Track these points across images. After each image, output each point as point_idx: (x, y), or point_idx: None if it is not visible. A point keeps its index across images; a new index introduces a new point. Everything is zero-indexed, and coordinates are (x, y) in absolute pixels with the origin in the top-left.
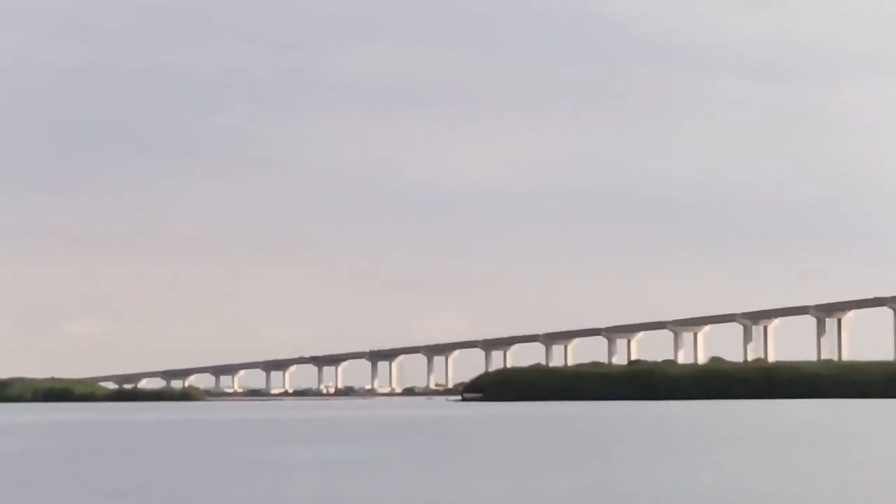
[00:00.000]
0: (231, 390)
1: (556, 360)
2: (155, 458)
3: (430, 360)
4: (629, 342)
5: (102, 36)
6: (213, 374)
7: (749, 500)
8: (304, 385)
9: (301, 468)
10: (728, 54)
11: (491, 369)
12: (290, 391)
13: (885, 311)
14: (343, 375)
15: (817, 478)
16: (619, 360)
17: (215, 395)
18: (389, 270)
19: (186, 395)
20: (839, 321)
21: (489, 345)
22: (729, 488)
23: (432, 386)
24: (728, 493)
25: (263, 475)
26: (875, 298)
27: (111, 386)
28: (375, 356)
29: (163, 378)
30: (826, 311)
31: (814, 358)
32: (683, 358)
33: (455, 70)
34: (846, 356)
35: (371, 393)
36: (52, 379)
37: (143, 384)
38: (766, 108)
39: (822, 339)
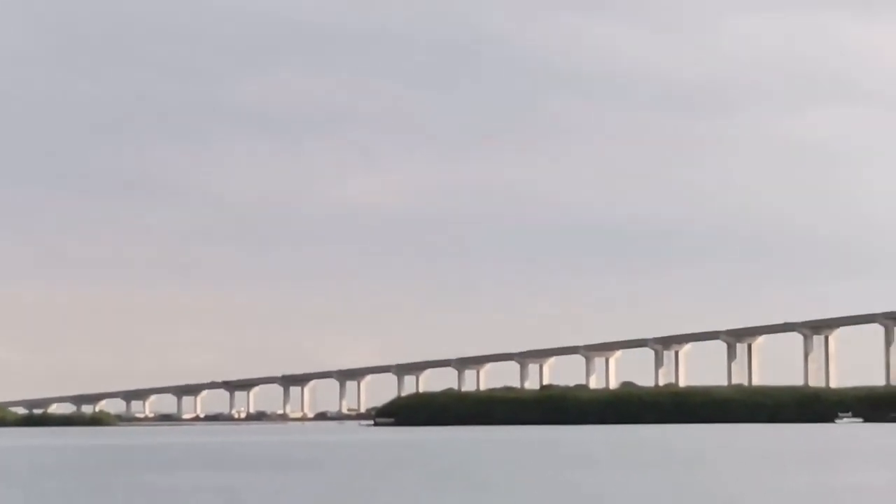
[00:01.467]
0: (142, 415)
1: (469, 385)
2: (58, 484)
3: (342, 385)
4: (541, 367)
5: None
6: (123, 398)
7: None
8: (215, 410)
9: (203, 494)
10: (620, 82)
11: (403, 394)
12: (202, 416)
13: (795, 336)
14: (255, 400)
15: (719, 502)
16: (532, 384)
17: (126, 420)
18: (302, 295)
19: (97, 420)
20: (749, 346)
21: (402, 370)
22: None
23: (345, 411)
24: None
25: (165, 501)
26: (785, 324)
27: (21, 411)
28: (288, 381)
29: (73, 403)
30: (736, 337)
31: (724, 382)
32: (595, 383)
33: (357, 97)
34: (756, 381)
35: (283, 418)
36: None
37: (53, 409)
38: (662, 136)
39: (733, 364)
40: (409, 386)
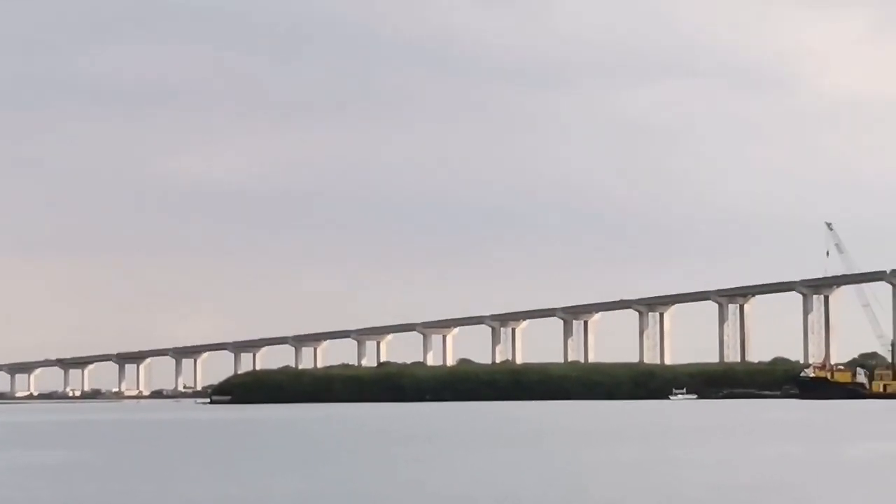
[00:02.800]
0: None
1: (306, 363)
2: None
3: (178, 363)
4: (379, 344)
5: None
6: None
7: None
8: (49, 388)
9: (31, 471)
10: (474, 57)
11: (240, 371)
12: (36, 394)
13: (631, 314)
14: (90, 378)
15: (549, 477)
16: (369, 362)
17: None
18: (137, 271)
19: None
20: (585, 323)
21: (238, 347)
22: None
23: (181, 388)
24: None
25: None
26: (621, 301)
27: None
28: (123, 358)
29: None
30: (572, 314)
31: (561, 360)
32: (433, 360)
33: (204, 71)
34: (592, 358)
35: (118, 395)
36: None
37: None
38: (509, 111)
39: (569, 341)
40: (247, 363)
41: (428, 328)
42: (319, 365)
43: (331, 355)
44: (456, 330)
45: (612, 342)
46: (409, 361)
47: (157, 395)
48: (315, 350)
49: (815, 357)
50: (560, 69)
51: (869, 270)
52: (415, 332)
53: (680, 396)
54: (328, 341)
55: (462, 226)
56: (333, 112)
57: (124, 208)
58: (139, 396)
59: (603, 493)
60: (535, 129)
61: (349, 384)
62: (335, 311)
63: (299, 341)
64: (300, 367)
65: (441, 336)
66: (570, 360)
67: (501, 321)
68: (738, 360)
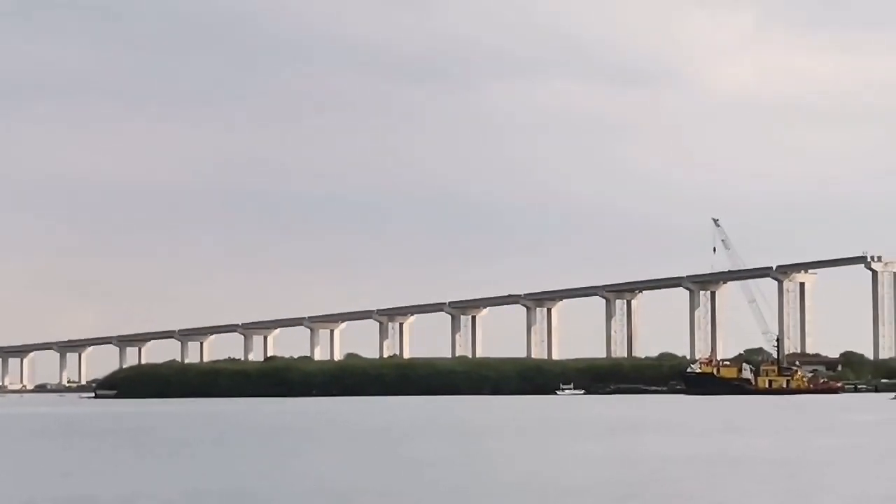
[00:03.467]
0: None
1: (192, 357)
2: None
3: (62, 357)
4: (265, 339)
5: None
6: None
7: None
8: None
9: None
10: (362, 53)
11: (125, 366)
12: None
13: (518, 309)
14: None
15: (427, 471)
16: (256, 356)
17: None
18: (18, 265)
19: None
20: (473, 318)
21: (123, 341)
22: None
23: (65, 383)
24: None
25: None
26: (508, 296)
27: None
28: (5, 352)
29: None
30: (461, 309)
31: (449, 354)
32: (320, 354)
33: (78, 63)
34: (480, 353)
35: (2, 390)
36: None
37: None
38: (405, 107)
39: (457, 336)
40: (132, 357)
41: (315, 322)
42: (206, 359)
43: (217, 349)
44: (343, 324)
45: (500, 337)
46: (296, 356)
47: (41, 389)
48: (201, 344)
49: (702, 352)
50: (424, 63)
51: (755, 267)
52: (302, 327)
53: (567, 392)
54: (214, 335)
55: (346, 220)
56: (218, 108)
57: (12, 202)
58: (23, 391)
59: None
60: (407, 123)
61: (235, 379)
62: (221, 306)
63: (185, 335)
64: (186, 361)
65: (328, 330)
66: (457, 354)
67: (389, 316)
68: (626, 355)
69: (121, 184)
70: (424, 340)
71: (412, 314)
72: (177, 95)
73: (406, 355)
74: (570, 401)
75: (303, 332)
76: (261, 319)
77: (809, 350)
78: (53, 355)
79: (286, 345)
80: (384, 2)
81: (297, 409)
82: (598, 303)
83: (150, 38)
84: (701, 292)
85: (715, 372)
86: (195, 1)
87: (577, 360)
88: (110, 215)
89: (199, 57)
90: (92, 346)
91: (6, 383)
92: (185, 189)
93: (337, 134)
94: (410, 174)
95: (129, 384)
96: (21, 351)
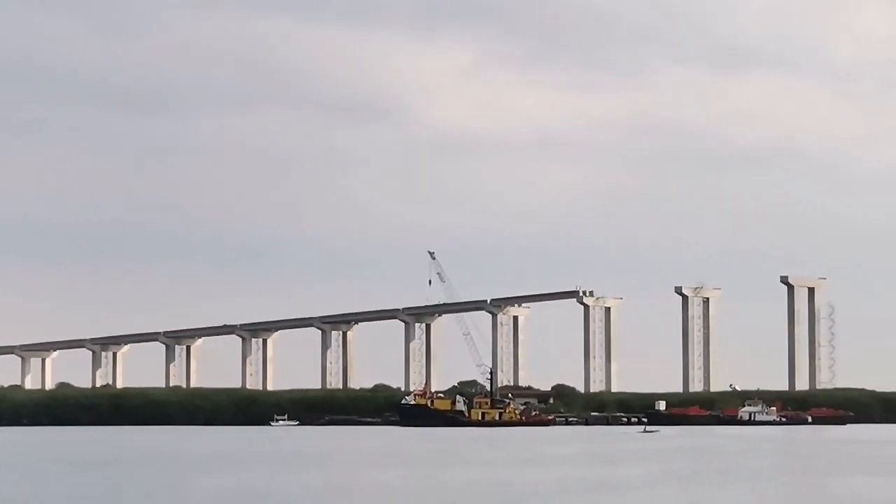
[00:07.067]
0: None
1: None
2: None
3: None
4: None
5: None
6: None
7: None
8: None
9: None
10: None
11: None
12: None
13: (234, 339)
14: None
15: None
16: None
17: None
18: None
19: None
20: (188, 348)
21: None
22: None
23: None
24: None
25: None
26: (224, 326)
27: None
28: None
29: None
30: (175, 339)
31: (163, 384)
32: (31, 383)
33: None
34: (195, 383)
35: None
36: None
37: None
38: (101, 135)
39: (172, 366)
40: None
41: (26, 351)
42: None
43: None
44: (55, 353)
45: (216, 367)
46: (6, 384)
47: None
48: None
49: (417, 384)
50: (161, 92)
51: (470, 300)
52: (13, 355)
53: (281, 423)
54: None
55: (62, 248)
56: None
57: None
58: None
59: None
60: (148, 152)
61: None
62: None
63: None
64: None
65: (40, 359)
66: (172, 384)
67: (102, 345)
68: (341, 386)
69: None
70: (139, 370)
71: (126, 343)
72: None
73: (119, 385)
74: (281, 432)
75: (13, 360)
76: None
77: (522, 383)
78: None
79: None
80: (90, 29)
81: (5, 439)
82: (314, 334)
83: None
84: (416, 324)
85: (429, 404)
86: None
87: (291, 390)
88: None
89: None
90: None
91: None
92: None
93: (39, 159)
94: (137, 200)
95: None
96: None
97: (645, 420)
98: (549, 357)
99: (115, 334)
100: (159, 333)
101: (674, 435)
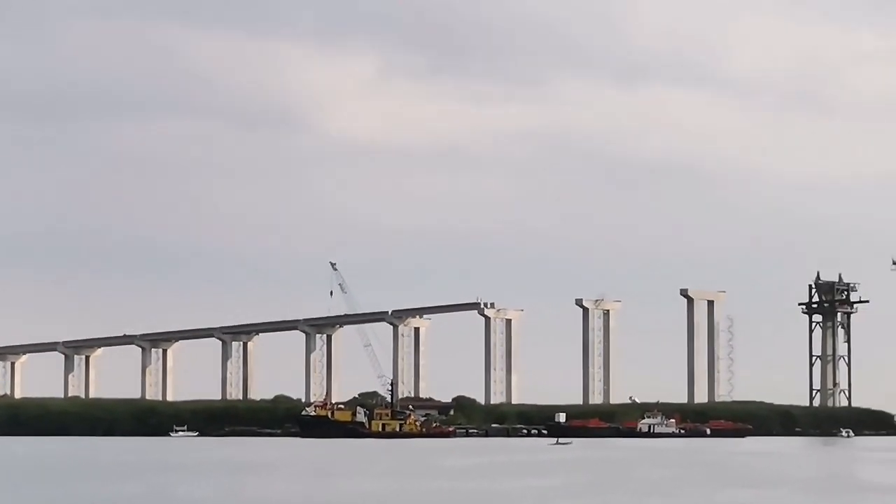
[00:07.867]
0: None
1: None
2: None
3: None
4: None
5: None
6: None
7: None
8: None
9: None
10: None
11: None
12: None
13: (133, 349)
14: None
15: None
16: None
17: None
18: None
19: None
20: (87, 358)
21: None
22: None
23: None
24: None
25: None
26: (124, 336)
27: None
28: None
29: None
30: (74, 349)
31: (62, 395)
32: None
33: None
34: (94, 393)
35: None
36: None
37: None
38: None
39: (70, 377)
40: None
41: None
42: None
43: None
44: None
45: (115, 378)
46: None
47: None
48: None
49: (317, 395)
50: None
51: (371, 311)
52: None
53: (181, 433)
54: None
55: None
56: None
57: None
58: None
59: None
60: (50, 161)
61: None
62: None
63: None
64: None
65: None
66: (70, 395)
67: (1, 355)
68: (241, 397)
69: None
70: (37, 380)
71: (25, 353)
72: None
73: (17, 395)
74: (179, 442)
75: None
76: None
77: (423, 394)
78: None
79: None
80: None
81: None
82: (214, 344)
83: None
84: (317, 335)
85: (330, 415)
86: None
87: (191, 401)
88: None
89: None
90: None
91: None
92: None
93: None
94: (31, 209)
95: None
96: None
97: (545, 432)
98: (449, 369)
99: (12, 344)
100: (58, 343)
101: (574, 447)
